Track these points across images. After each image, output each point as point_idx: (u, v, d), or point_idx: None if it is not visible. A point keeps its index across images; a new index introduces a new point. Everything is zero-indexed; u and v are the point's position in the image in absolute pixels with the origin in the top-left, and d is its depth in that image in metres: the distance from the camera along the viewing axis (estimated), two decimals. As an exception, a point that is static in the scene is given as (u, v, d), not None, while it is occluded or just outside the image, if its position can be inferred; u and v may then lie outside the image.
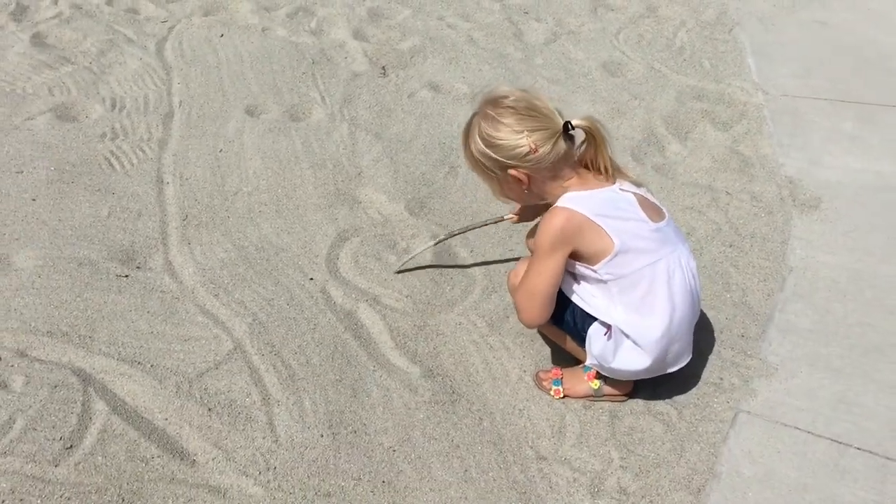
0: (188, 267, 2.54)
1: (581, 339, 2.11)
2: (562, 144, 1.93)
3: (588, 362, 2.12)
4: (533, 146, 1.90)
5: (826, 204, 2.97)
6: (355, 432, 2.04)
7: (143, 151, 3.08)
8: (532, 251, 2.03)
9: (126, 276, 2.48)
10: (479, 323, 2.42)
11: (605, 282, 1.99)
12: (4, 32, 3.86)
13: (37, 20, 3.99)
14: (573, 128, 1.93)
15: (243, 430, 2.02)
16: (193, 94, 3.47)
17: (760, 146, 3.32)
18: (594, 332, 2.06)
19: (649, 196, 2.05)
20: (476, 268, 2.64)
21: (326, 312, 2.40)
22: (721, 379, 2.26)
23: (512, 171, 1.95)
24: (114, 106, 3.35)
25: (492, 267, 2.65)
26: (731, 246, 2.76)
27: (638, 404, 2.18)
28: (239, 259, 2.59)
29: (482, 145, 1.96)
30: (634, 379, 2.16)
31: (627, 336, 2.01)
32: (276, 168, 3.03)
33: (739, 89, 3.75)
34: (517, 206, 2.36)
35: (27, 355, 2.18)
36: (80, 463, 1.91)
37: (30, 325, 2.27)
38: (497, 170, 1.98)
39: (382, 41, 4.04)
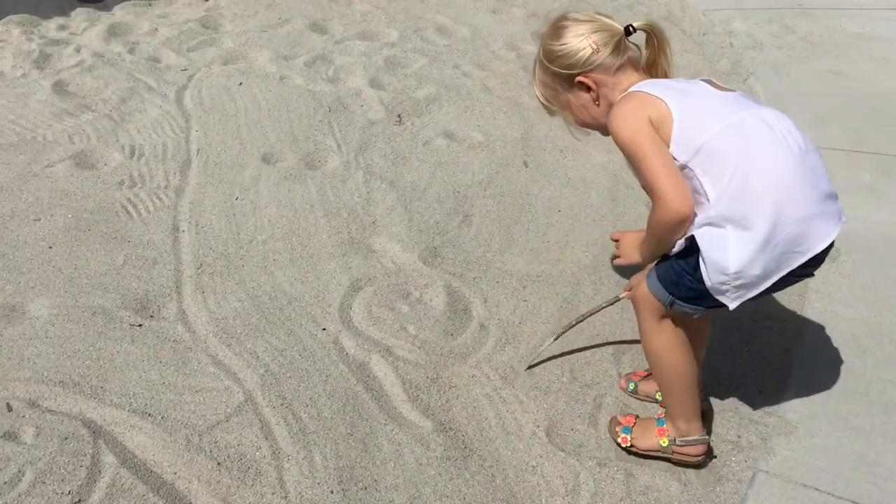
0: (202, 316, 2.53)
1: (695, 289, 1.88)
2: (624, 48, 1.93)
3: (730, 303, 1.86)
4: (594, 46, 1.90)
5: (844, 256, 2.94)
6: (366, 488, 2.02)
7: (160, 199, 3.11)
8: (628, 157, 1.87)
9: (140, 325, 2.48)
10: (492, 376, 2.40)
11: (686, 169, 1.81)
12: (27, 80, 3.93)
13: (59, 68, 4.07)
14: (634, 30, 1.94)
15: (252, 485, 2.00)
16: (211, 142, 3.50)
17: (776, 196, 3.30)
18: (702, 258, 1.83)
19: (718, 81, 1.98)
20: (490, 319, 2.62)
21: (338, 364, 2.39)
22: (739, 437, 2.22)
23: (580, 79, 1.95)
24: (132, 153, 3.39)
25: (505, 318, 2.63)
26: (747, 298, 2.73)
27: (654, 462, 2.14)
28: (252, 308, 2.58)
29: (547, 62, 1.98)
30: (771, 279, 1.82)
31: (724, 226, 1.79)
32: (290, 216, 3.05)
33: (755, 139, 3.74)
34: (630, 285, 2.12)
35: (38, 406, 2.17)
36: (87, 518, 1.89)
37: (42, 374, 2.27)
38: (565, 84, 1.98)
39: (398, 89, 4.08)
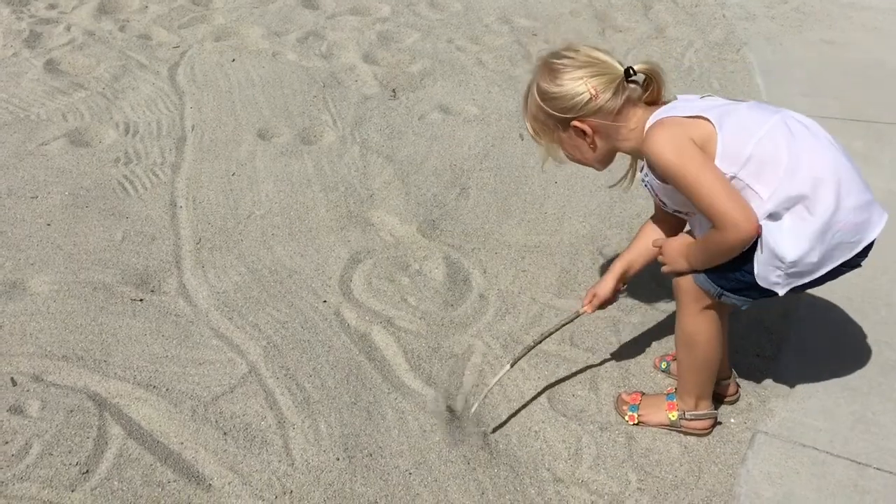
0: (202, 290, 2.54)
1: (749, 285, 1.87)
2: (623, 91, 1.84)
3: (780, 289, 1.85)
4: (593, 91, 1.82)
5: (838, 222, 2.96)
6: (371, 455, 2.04)
7: (157, 175, 3.10)
8: (678, 183, 1.79)
9: (141, 299, 2.49)
10: (493, 344, 2.41)
11: (734, 179, 1.78)
12: (18, 59, 3.90)
13: (50, 47, 4.04)
14: (635, 73, 1.85)
15: (259, 453, 2.02)
16: (206, 119, 3.49)
17: (771, 165, 3.32)
18: (759, 250, 1.81)
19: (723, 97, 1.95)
20: (489, 289, 2.64)
21: (340, 335, 2.40)
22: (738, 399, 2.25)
23: (575, 123, 1.87)
24: (127, 131, 3.37)
25: (505, 288, 2.65)
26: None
27: (654, 425, 2.17)
28: (252, 282, 2.59)
29: (541, 102, 1.89)
30: (824, 268, 1.83)
31: (781, 216, 1.77)
32: (288, 191, 3.05)
33: (749, 109, 3.76)
34: (589, 300, 2.17)
35: (43, 380, 2.18)
36: (96, 488, 1.90)
37: (45, 349, 2.28)
38: (560, 126, 1.90)
39: (392, 64, 4.07)
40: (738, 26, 4.65)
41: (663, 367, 2.34)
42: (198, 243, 2.75)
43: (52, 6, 4.56)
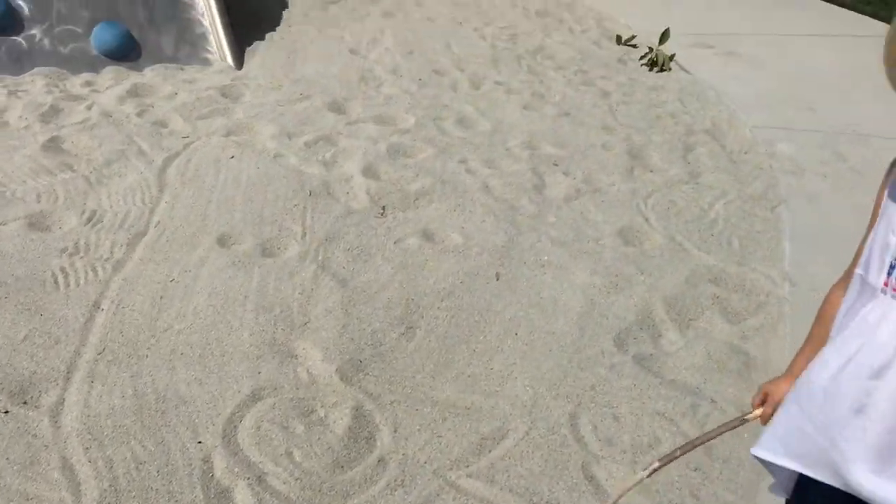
0: (74, 410, 2.33)
1: None
2: None
3: None
4: None
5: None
6: None
7: (95, 272, 2.96)
8: None
9: (6, 412, 2.29)
10: (366, 525, 2.09)
11: None
12: (27, 133, 3.94)
13: (63, 123, 4.07)
14: None
15: None
16: (174, 216, 3.37)
17: (770, 348, 2.90)
18: None
19: None
20: (392, 454, 2.32)
21: (196, 487, 2.13)
22: None
23: None
24: (90, 220, 3.28)
25: (410, 454, 2.32)
26: (695, 469, 2.34)
27: None
28: (132, 408, 2.36)
29: None
30: None
31: None
32: (218, 307, 2.84)
33: (764, 276, 3.35)
34: (760, 401, 1.70)
35: None
36: None
37: None
38: None
39: (393, 180, 3.89)
40: (781, 181, 4.26)
41: None
42: (100, 353, 2.56)
43: (87, 83, 4.66)
